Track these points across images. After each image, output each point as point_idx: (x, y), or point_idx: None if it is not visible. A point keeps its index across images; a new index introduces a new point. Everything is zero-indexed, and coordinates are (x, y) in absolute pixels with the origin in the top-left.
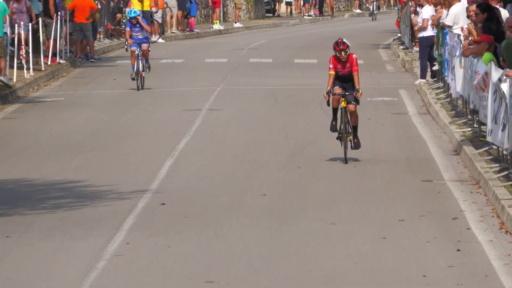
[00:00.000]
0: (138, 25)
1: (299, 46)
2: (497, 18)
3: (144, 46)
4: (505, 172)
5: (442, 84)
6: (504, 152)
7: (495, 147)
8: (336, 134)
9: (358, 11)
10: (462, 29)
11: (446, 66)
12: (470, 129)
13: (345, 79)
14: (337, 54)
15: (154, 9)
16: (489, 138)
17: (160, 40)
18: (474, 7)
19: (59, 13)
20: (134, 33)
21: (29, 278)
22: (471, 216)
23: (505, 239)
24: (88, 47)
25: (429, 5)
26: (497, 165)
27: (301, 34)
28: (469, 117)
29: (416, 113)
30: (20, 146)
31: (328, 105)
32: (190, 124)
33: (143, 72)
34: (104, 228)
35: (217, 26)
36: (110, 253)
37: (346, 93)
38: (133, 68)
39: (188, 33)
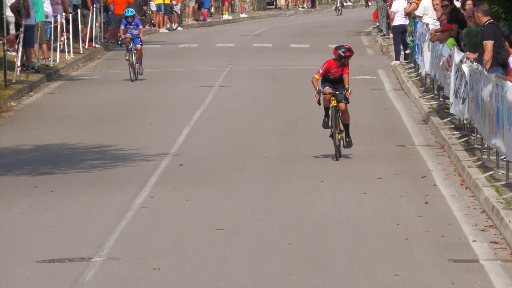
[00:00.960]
0: (133, 22)
1: (294, 33)
2: (459, 8)
3: (139, 46)
4: (465, 138)
5: (413, 65)
6: (465, 122)
7: (457, 117)
8: (328, 132)
9: (349, 3)
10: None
11: (416, 50)
12: (436, 102)
13: (335, 81)
14: (339, 59)
15: (174, 2)
16: (452, 110)
17: (179, 28)
18: (438, 1)
19: (94, 5)
20: (129, 30)
21: (70, 226)
22: (437, 175)
23: (465, 194)
24: (119, 34)
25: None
26: (458, 132)
27: (296, 23)
28: (436, 92)
29: (391, 89)
30: (62, 116)
31: (319, 104)
32: (204, 99)
33: (136, 65)
34: (132, 184)
35: (226, 16)
36: (137, 205)
37: (337, 92)
38: (127, 49)
39: (202, 22)
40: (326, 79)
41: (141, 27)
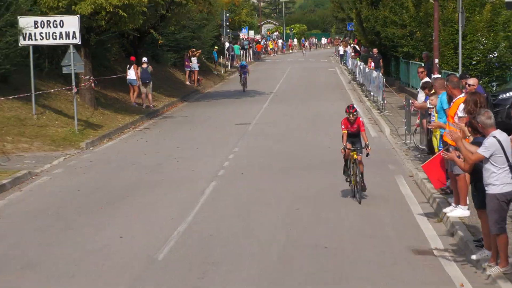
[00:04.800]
0: (245, 68)
1: (308, 56)
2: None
3: (246, 70)
4: (361, 88)
5: (347, 66)
6: (360, 82)
7: (359, 81)
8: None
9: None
10: (352, 55)
11: (347, 61)
12: (352, 76)
13: (353, 135)
14: (347, 116)
15: (275, 47)
16: (357, 79)
17: (276, 55)
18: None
19: (250, 47)
20: (244, 71)
21: (240, 114)
22: (352, 98)
23: (363, 105)
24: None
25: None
26: (360, 85)
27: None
28: (353, 73)
29: (339, 73)
30: (230, 81)
31: (344, 157)
32: (283, 74)
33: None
34: (261, 101)
35: (290, 51)
36: (263, 108)
37: (357, 148)
38: (240, 79)
39: (282, 53)
40: (349, 133)
41: (248, 68)
